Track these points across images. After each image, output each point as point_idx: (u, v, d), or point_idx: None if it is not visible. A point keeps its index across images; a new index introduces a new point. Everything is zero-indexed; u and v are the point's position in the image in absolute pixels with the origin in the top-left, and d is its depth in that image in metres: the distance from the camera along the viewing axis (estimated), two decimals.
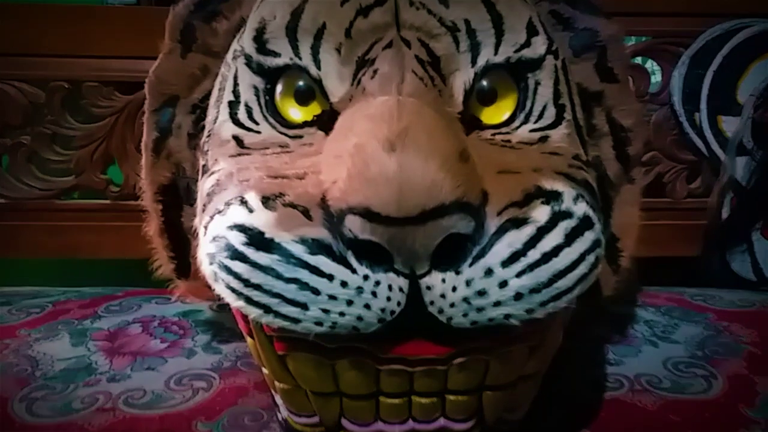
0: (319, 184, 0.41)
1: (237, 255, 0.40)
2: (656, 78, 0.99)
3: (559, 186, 0.42)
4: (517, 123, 0.48)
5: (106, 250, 0.87)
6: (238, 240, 0.40)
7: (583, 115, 0.53)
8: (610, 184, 0.56)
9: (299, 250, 0.38)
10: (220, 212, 0.42)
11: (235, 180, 0.44)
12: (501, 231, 0.39)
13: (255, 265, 0.39)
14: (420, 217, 0.36)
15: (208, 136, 0.52)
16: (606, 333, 0.69)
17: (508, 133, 0.47)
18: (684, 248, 0.96)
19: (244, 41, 0.50)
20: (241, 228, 0.40)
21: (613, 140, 0.57)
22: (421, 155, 0.37)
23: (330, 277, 0.38)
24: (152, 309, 0.71)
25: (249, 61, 0.49)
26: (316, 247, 0.38)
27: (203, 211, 0.49)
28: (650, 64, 1.00)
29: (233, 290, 0.40)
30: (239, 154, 0.47)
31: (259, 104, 0.49)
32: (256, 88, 0.49)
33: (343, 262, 0.38)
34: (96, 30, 0.94)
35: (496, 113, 0.48)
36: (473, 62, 0.47)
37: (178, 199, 0.58)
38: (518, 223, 0.39)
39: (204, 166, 0.51)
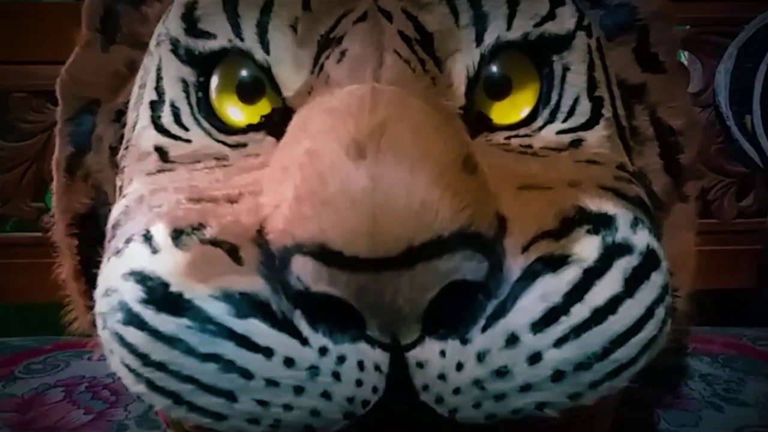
0: (256, 209, 0.32)
1: (132, 318, 0.30)
2: (695, 74, 0.88)
3: (608, 206, 0.33)
4: (539, 122, 0.40)
5: (37, 293, 0.77)
6: (134, 295, 0.30)
7: (624, 113, 0.44)
8: (657, 202, 0.47)
9: (220, 311, 0.29)
10: (117, 253, 0.34)
11: (145, 206, 0.36)
12: (529, 276, 0.29)
13: (156, 333, 0.29)
14: (404, 257, 0.27)
15: (126, 147, 0.43)
16: (655, 394, 0.60)
17: (528, 135, 0.39)
18: (735, 279, 0.87)
19: (170, 21, 0.42)
20: (139, 277, 0.31)
21: (660, 146, 0.48)
22: (405, 163, 0.28)
23: (268, 352, 0.28)
24: (82, 367, 0.67)
25: (175, 47, 0.41)
26: (247, 305, 0.29)
27: (105, 250, 0.39)
28: (687, 58, 0.89)
29: (129, 369, 0.30)
30: (160, 171, 0.39)
31: (189, 103, 0.41)
32: (185, 82, 0.41)
33: (288, 327, 0.29)
34: (26, 30, 0.86)
35: (512, 109, 0.40)
36: (478, 40, 0.39)
37: (98, 232, 0.49)
38: (554, 263, 0.30)
39: (120, 187, 0.43)
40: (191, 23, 0.40)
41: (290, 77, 0.38)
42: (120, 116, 0.50)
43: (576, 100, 0.40)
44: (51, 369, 0.65)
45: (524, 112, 0.39)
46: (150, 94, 0.42)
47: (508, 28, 0.39)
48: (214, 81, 0.40)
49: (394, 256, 0.27)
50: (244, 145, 0.38)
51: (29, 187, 0.80)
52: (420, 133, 0.29)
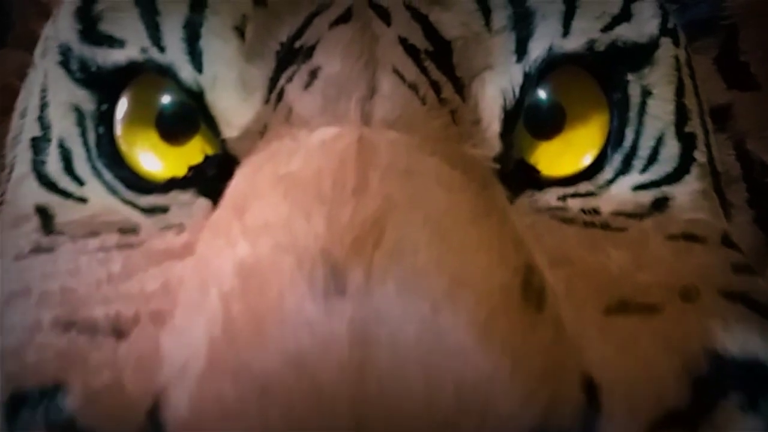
0: (152, 362, 0.21)
1: None
2: None
3: (753, 342, 0.24)
4: (608, 173, 0.32)
5: None
6: None
7: None
8: None
9: None
10: None
11: None
12: None
13: None
14: None
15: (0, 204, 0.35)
16: None
17: (592, 194, 0.31)
18: None
19: (60, 20, 0.34)
20: None
21: (749, 190, 0.41)
22: (422, 301, 0.18)
23: None
24: None
25: (66, 59, 0.33)
26: None
27: None
28: None
29: None
30: (36, 251, 0.30)
31: (86, 143, 0.32)
32: (79, 111, 0.32)
33: None
34: None
35: (567, 153, 0.32)
36: (521, 52, 0.31)
37: None
38: None
39: None
40: (89, 23, 0.32)
41: (233, 108, 0.30)
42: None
43: (660, 140, 0.33)
44: None
45: (586, 158, 0.31)
46: (31, 128, 0.34)
47: (566, 32, 0.31)
48: (122, 110, 0.32)
49: None
50: (164, 209, 0.30)
51: None
52: (444, 232, 0.20)
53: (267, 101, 0.29)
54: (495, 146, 0.29)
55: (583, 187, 0.31)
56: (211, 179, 0.29)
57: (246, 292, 0.19)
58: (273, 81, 0.29)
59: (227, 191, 0.27)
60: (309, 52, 0.29)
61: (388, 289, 0.18)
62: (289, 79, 0.28)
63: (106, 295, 0.25)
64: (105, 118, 0.32)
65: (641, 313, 0.24)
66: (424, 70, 0.28)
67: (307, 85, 0.28)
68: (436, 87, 0.28)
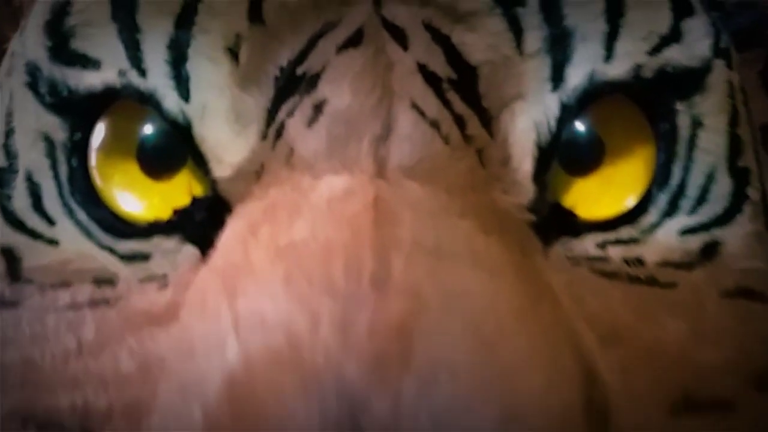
0: None
1: None
2: None
3: None
4: (653, 215, 0.29)
5: None
6: None
7: None
8: None
9: None
10: None
11: None
12: None
13: None
14: None
15: None
16: None
17: (635, 240, 0.28)
18: None
19: (28, 33, 0.31)
20: None
21: None
22: None
23: None
24: None
25: (34, 80, 0.30)
26: None
27: None
28: None
29: None
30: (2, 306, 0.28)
31: (57, 177, 0.29)
32: (49, 140, 0.30)
33: None
34: None
35: (608, 194, 0.29)
36: (557, 79, 0.28)
37: None
38: None
39: None
40: (59, 39, 0.29)
41: (225, 142, 0.27)
42: None
43: (710, 177, 0.30)
44: None
45: (628, 200, 0.29)
46: None
47: (608, 56, 0.28)
48: (97, 139, 0.29)
49: None
50: (145, 257, 0.28)
51: None
52: (489, 344, 0.17)
53: (264, 137, 0.26)
54: (528, 190, 0.27)
55: (625, 232, 0.29)
56: (198, 224, 0.27)
57: (235, 418, 0.15)
58: (271, 113, 0.27)
59: (217, 250, 0.25)
60: (313, 81, 0.26)
61: (421, 428, 0.15)
62: (290, 113, 0.26)
63: (74, 375, 0.23)
64: (78, 149, 0.29)
65: (712, 413, 0.22)
66: (446, 103, 0.26)
67: (311, 121, 0.25)
68: (460, 122, 0.26)
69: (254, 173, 0.26)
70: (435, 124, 0.25)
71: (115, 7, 0.28)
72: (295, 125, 0.25)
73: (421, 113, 0.25)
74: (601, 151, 0.29)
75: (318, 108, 0.25)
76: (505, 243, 0.21)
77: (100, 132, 0.29)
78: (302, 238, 0.19)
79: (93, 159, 0.29)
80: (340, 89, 0.26)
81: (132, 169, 0.28)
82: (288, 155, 0.25)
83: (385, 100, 0.25)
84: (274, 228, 0.21)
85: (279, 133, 0.26)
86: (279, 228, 0.21)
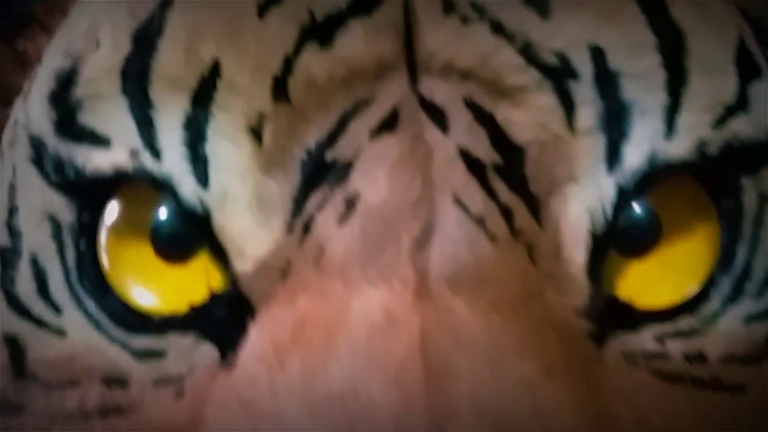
0: None
1: None
2: None
3: None
4: (715, 302, 0.27)
5: None
6: None
7: None
8: None
9: None
10: None
11: None
12: None
13: None
14: None
15: None
16: None
17: (695, 331, 0.27)
18: None
19: (31, 103, 0.30)
20: None
21: None
22: None
23: None
24: None
25: (39, 155, 0.29)
26: None
27: None
28: None
29: None
30: (1, 406, 0.27)
31: (64, 262, 0.28)
32: (55, 221, 0.28)
33: None
34: None
35: (665, 278, 0.27)
36: (612, 159, 0.26)
37: None
38: None
39: None
40: (66, 112, 0.28)
41: (247, 233, 0.26)
42: None
43: None
44: None
45: (690, 288, 0.27)
46: None
47: (669, 131, 0.26)
48: (108, 219, 0.28)
49: None
50: (159, 354, 0.26)
51: None
52: None
53: (290, 229, 0.25)
54: (582, 286, 0.25)
55: (685, 322, 0.27)
56: (217, 322, 0.26)
57: None
58: (298, 202, 0.25)
59: (240, 368, 0.23)
60: (344, 170, 0.24)
61: None
62: (320, 206, 0.24)
63: None
64: (87, 231, 0.28)
65: None
66: (492, 194, 0.24)
67: (343, 218, 0.24)
68: (507, 214, 0.24)
69: (279, 271, 0.24)
70: (480, 221, 0.24)
71: (125, 79, 0.26)
72: (325, 221, 0.24)
73: (465, 209, 0.24)
74: (659, 230, 0.27)
75: (351, 203, 0.24)
76: (570, 381, 0.19)
77: (111, 212, 0.28)
78: (341, 391, 0.17)
79: (103, 238, 0.28)
80: (375, 182, 0.24)
81: (145, 252, 0.27)
82: (317, 255, 0.23)
83: (424, 195, 0.24)
84: (305, 360, 0.19)
85: (307, 227, 0.24)
86: (311, 361, 0.19)
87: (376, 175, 0.24)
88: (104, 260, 0.27)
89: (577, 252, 0.25)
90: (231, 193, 0.25)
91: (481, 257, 0.23)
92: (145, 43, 0.27)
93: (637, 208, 0.27)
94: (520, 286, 0.23)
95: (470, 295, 0.21)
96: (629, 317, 0.27)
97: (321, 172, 0.25)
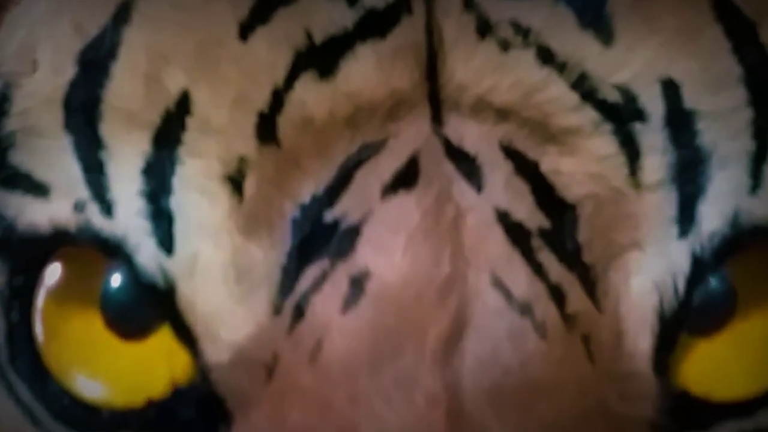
0: None
1: None
2: None
3: None
4: None
5: None
6: None
7: None
8: None
9: None
10: None
11: None
12: None
13: None
14: None
15: None
16: None
17: None
18: None
19: None
20: None
21: None
22: None
23: None
24: None
25: None
26: None
27: None
28: None
29: None
30: None
31: None
32: None
33: None
34: None
35: (740, 362, 0.25)
36: (686, 221, 0.23)
37: None
38: None
39: None
40: None
41: (222, 312, 0.23)
42: None
43: None
44: None
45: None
46: None
47: (755, 185, 0.24)
48: (47, 282, 0.25)
49: None
50: None
51: None
52: None
53: (277, 311, 0.22)
54: (649, 387, 0.23)
55: (765, 417, 0.25)
56: (182, 426, 0.23)
57: None
58: (288, 275, 0.22)
59: None
60: (349, 237, 0.21)
61: None
62: (317, 284, 0.21)
63: None
64: (21, 298, 0.25)
65: None
66: (538, 269, 0.22)
67: (348, 302, 0.21)
68: (558, 296, 0.22)
69: (262, 365, 0.21)
70: (526, 309, 0.21)
71: (69, 112, 0.23)
72: (323, 305, 0.21)
73: (506, 292, 0.21)
74: (732, 304, 0.25)
75: (357, 283, 0.21)
76: None
77: (52, 273, 0.24)
78: None
79: (40, 303, 0.24)
80: (389, 255, 0.21)
81: (93, 322, 0.24)
82: (314, 351, 0.20)
83: (454, 273, 0.20)
84: None
85: (300, 310, 0.21)
86: None
87: (390, 246, 0.21)
88: (38, 331, 0.24)
89: (641, 340, 0.23)
90: (202, 261, 0.23)
91: (528, 359, 0.19)
92: (94, 67, 0.24)
93: (713, 281, 0.24)
94: (579, 398, 0.19)
95: (517, 415, 0.18)
96: (701, 412, 0.24)
97: (318, 237, 0.22)
